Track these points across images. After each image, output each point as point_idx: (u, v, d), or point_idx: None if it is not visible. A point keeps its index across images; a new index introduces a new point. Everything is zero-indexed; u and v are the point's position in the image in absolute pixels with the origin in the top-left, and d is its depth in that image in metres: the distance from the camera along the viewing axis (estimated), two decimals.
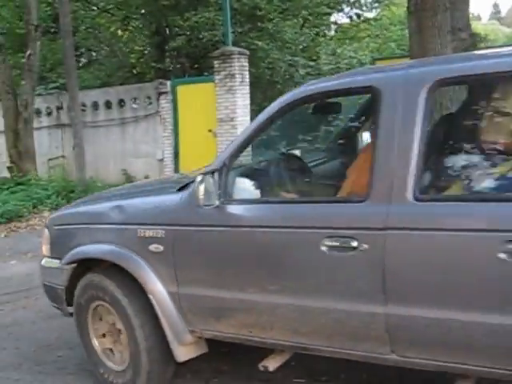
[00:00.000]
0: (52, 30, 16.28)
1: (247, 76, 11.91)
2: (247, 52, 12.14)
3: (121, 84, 15.55)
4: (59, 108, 13.92)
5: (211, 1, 15.58)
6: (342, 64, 17.99)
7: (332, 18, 20.54)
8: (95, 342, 3.44)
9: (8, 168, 12.12)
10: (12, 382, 3.97)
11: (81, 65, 17.06)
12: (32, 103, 12.79)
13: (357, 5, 19.62)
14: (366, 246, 2.33)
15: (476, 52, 4.07)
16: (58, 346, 4.46)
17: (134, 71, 16.92)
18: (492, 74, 2.26)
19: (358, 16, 19.84)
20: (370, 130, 2.45)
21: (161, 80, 12.93)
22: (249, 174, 2.89)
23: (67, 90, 12.89)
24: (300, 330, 2.62)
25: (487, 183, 2.29)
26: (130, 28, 17.31)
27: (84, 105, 13.35)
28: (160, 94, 12.67)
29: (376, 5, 20.22)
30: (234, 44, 12.60)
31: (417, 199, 2.26)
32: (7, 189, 11.09)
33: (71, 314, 3.59)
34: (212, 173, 2.66)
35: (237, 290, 2.74)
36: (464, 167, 2.39)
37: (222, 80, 11.72)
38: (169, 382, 3.35)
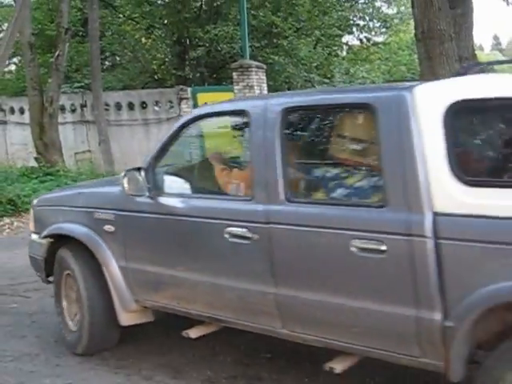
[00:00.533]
0: (80, 33, 17.04)
1: (265, 88, 12.63)
2: (264, 66, 12.88)
3: (142, 88, 16.34)
4: (83, 106, 14.61)
5: (230, 16, 16.45)
6: (356, 83, 18.87)
7: (344, 40, 21.50)
8: (64, 305, 3.95)
9: (35, 158, 12.64)
10: (25, 373, 3.58)
11: (105, 67, 17.79)
12: (57, 100, 13.40)
13: (366, 29, 20.57)
14: (256, 236, 2.84)
15: (318, 88, 5.03)
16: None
17: (155, 77, 17.70)
18: (320, 106, 2.96)
19: (368, 40, 20.76)
20: (248, 144, 3.10)
21: (182, 86, 13.68)
22: (176, 173, 3.56)
23: (91, 89, 13.63)
24: (214, 304, 3.15)
25: (340, 191, 2.83)
26: (153, 36, 18.12)
27: (107, 104, 14.04)
28: (181, 99, 13.40)
29: (384, 30, 21.13)
30: (251, 58, 13.32)
31: (288, 200, 2.78)
32: (36, 178, 11.44)
33: (49, 282, 4.14)
34: (138, 169, 3.30)
35: (168, 268, 3.28)
36: (322, 178, 2.96)
37: (240, 90, 12.41)
38: (110, 346, 3.82)
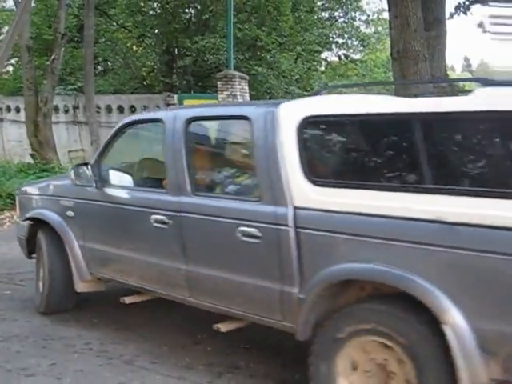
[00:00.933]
0: (76, 39, 17.85)
1: (248, 97, 13.46)
2: (247, 77, 13.72)
3: (132, 93, 17.24)
4: (75, 107, 15.50)
5: (218, 28, 17.39)
6: None
7: (323, 56, 22.56)
8: (40, 274, 4.67)
9: (31, 155, 13.29)
10: (12, 353, 3.77)
11: (97, 72, 18.60)
12: (51, 100, 13.99)
13: (344, 46, 21.67)
14: (171, 222, 3.49)
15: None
16: (73, 325, 4.34)
17: (144, 83, 18.57)
18: (213, 117, 3.71)
19: (346, 56, 21.85)
20: (163, 147, 3.71)
21: (169, 93, 14.56)
22: (117, 168, 4.21)
23: (84, 92, 14.40)
24: (144, 277, 3.86)
25: (230, 187, 3.46)
26: (144, 45, 19.02)
27: (98, 107, 14.89)
28: (168, 104, 14.20)
29: (361, 48, 22.19)
30: (235, 69, 14.08)
31: (193, 193, 3.41)
32: (33, 174, 11.84)
33: (31, 258, 4.91)
34: (85, 165, 4.09)
35: (112, 247, 4.01)
36: (218, 176, 3.67)
37: (224, 99, 13.18)
38: (66, 308, 4.54)
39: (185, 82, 17.16)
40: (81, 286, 4.36)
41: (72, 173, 4.18)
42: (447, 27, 8.78)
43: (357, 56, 22.40)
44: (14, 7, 14.79)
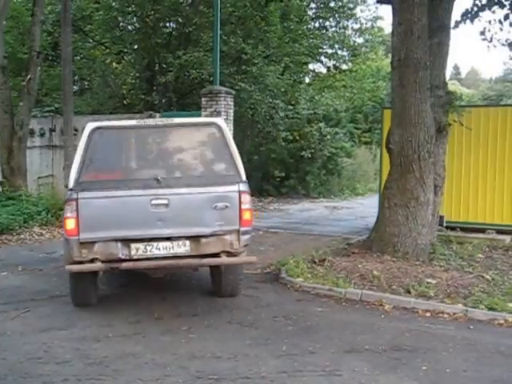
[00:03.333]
0: (50, 57, 17.12)
1: (232, 114, 12.86)
2: (233, 92, 13.12)
3: (111, 113, 16.44)
4: (52, 130, 14.69)
5: (201, 42, 16.71)
6: (320, 110, 19.29)
7: (310, 67, 21.97)
8: None
9: (0, 183, 12.68)
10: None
11: (74, 92, 17.82)
12: (27, 123, 13.44)
13: (334, 57, 21.09)
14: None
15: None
16: (46, 360, 4.42)
17: (124, 102, 17.81)
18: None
19: (336, 67, 21.26)
20: None
21: (151, 112, 13.80)
22: None
23: (62, 114, 13.65)
24: None
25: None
26: (124, 61, 18.30)
27: (76, 129, 14.03)
28: None
29: (352, 58, 21.66)
30: (220, 84, 13.50)
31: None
32: None
33: None
34: None
35: None
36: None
37: (208, 116, 12.60)
38: None
39: (166, 100, 16.41)
40: None
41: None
42: (451, 34, 8.30)
43: (346, 66, 21.81)
44: None
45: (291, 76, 17.81)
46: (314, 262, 7.36)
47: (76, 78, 18.73)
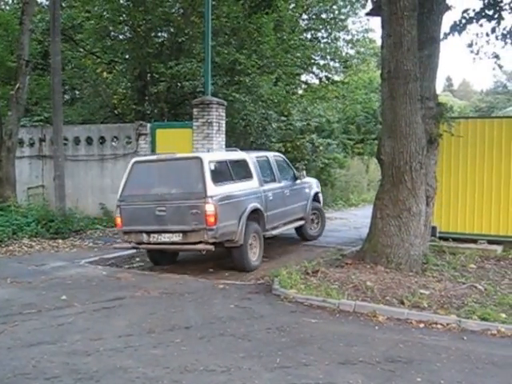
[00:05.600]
0: (40, 66, 17.03)
1: (224, 125, 12.85)
2: (225, 103, 13.12)
3: (102, 122, 16.36)
4: (42, 140, 14.60)
5: (194, 52, 16.69)
6: (312, 121, 19.33)
7: (303, 78, 22.02)
8: None
9: None
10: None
11: (65, 101, 17.75)
12: (16, 133, 13.38)
13: (326, 68, 21.16)
14: None
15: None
16: (34, 376, 4.35)
17: (116, 112, 17.73)
18: None
19: (328, 78, 21.33)
20: None
21: (141, 122, 13.74)
22: None
23: (51, 123, 13.56)
24: None
25: None
26: (115, 71, 18.21)
27: (66, 139, 14.02)
28: (140, 134, 13.48)
29: (344, 69, 21.75)
30: (213, 95, 13.51)
31: None
32: None
33: None
34: None
35: None
36: None
37: (199, 127, 12.57)
38: None
39: (157, 110, 16.34)
40: None
41: None
42: (440, 46, 8.39)
43: (338, 78, 21.89)
44: None
45: (284, 87, 17.82)
46: (308, 273, 7.32)
47: (67, 87, 18.66)
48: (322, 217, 11.62)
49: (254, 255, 8.61)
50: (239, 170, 8.95)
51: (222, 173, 8.46)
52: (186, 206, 7.89)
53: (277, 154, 11.32)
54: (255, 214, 8.72)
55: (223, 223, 7.90)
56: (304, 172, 11.06)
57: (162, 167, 8.64)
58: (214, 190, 7.93)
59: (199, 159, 8.17)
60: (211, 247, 7.87)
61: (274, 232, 9.54)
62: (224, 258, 8.85)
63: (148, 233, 8.18)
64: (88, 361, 4.67)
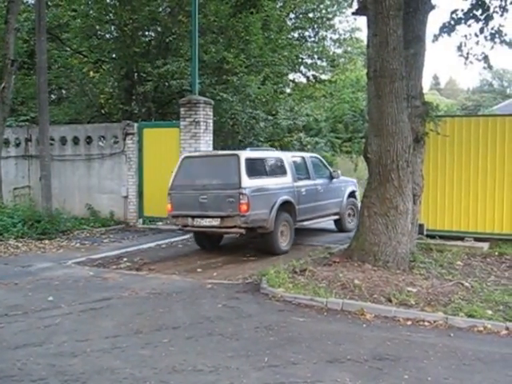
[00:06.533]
0: (26, 65, 16.87)
1: (211, 124, 12.84)
2: (212, 102, 13.10)
3: (88, 122, 16.26)
4: (28, 140, 14.48)
5: (181, 52, 16.65)
6: (300, 120, 19.38)
7: (290, 77, 22.05)
8: None
9: None
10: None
11: (51, 101, 17.62)
12: (2, 133, 13.26)
13: (314, 67, 21.20)
14: None
15: None
16: (20, 378, 4.32)
17: (102, 111, 17.63)
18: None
19: (315, 77, 21.37)
20: None
21: (128, 121, 13.67)
22: None
23: (38, 123, 13.46)
24: None
25: None
26: (102, 70, 18.11)
27: (52, 139, 13.92)
28: (127, 134, 13.41)
29: (331, 68, 21.81)
30: (200, 94, 13.50)
31: None
32: None
33: None
34: None
35: None
36: None
37: (186, 126, 12.56)
38: None
39: (145, 110, 16.28)
40: None
41: None
42: (426, 45, 8.41)
43: (326, 76, 21.94)
44: None
45: (271, 86, 17.83)
46: (295, 272, 7.33)
47: (53, 86, 18.53)
48: (358, 211, 12.14)
49: (284, 241, 9.77)
50: (274, 167, 10.13)
51: (257, 168, 9.62)
52: (223, 195, 9.10)
53: (313, 155, 12.45)
54: (287, 206, 9.85)
55: (255, 211, 9.03)
56: (339, 171, 12.14)
57: (206, 162, 10.00)
58: (247, 182, 9.10)
59: (237, 156, 9.31)
60: (243, 231, 9.16)
61: (306, 223, 10.64)
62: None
63: (192, 217, 9.42)
64: (75, 362, 4.63)
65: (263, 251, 9.59)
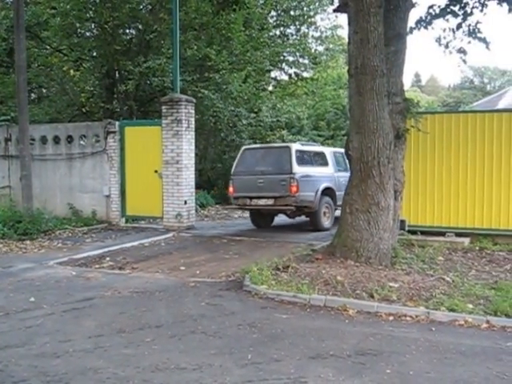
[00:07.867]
0: (5, 64, 16.64)
1: (193, 122, 12.78)
2: (194, 100, 13.05)
3: (69, 121, 16.10)
4: (7, 140, 14.29)
5: (163, 49, 16.56)
6: (282, 118, 19.42)
7: (272, 74, 22.08)
8: None
9: None
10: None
11: (31, 100, 17.43)
12: None
13: (296, 64, 21.25)
14: None
15: None
16: (1, 380, 4.28)
17: (83, 110, 17.46)
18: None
19: (297, 75, 21.42)
20: None
21: (110, 120, 13.56)
22: None
23: (17, 123, 13.29)
24: None
25: None
26: (82, 69, 17.93)
27: (33, 138, 13.76)
28: (108, 133, 13.30)
29: (313, 66, 21.89)
30: (182, 91, 13.44)
31: None
32: None
33: None
34: None
35: None
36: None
37: (168, 124, 12.49)
38: None
39: (126, 108, 16.16)
40: None
41: None
42: (407, 42, 8.46)
43: (308, 74, 22.00)
44: None
45: (253, 84, 17.83)
46: (278, 269, 7.35)
47: (33, 85, 18.29)
48: None
49: (327, 220, 12.10)
50: (318, 159, 12.47)
51: (305, 159, 11.90)
52: (277, 179, 11.24)
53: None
54: (329, 192, 12.02)
55: (303, 193, 11.24)
56: None
57: (263, 152, 12.13)
58: (297, 169, 11.32)
59: (288, 147, 11.66)
60: (293, 208, 11.32)
61: None
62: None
63: (250, 198, 11.60)
64: (57, 363, 4.58)
65: (310, 229, 11.83)
